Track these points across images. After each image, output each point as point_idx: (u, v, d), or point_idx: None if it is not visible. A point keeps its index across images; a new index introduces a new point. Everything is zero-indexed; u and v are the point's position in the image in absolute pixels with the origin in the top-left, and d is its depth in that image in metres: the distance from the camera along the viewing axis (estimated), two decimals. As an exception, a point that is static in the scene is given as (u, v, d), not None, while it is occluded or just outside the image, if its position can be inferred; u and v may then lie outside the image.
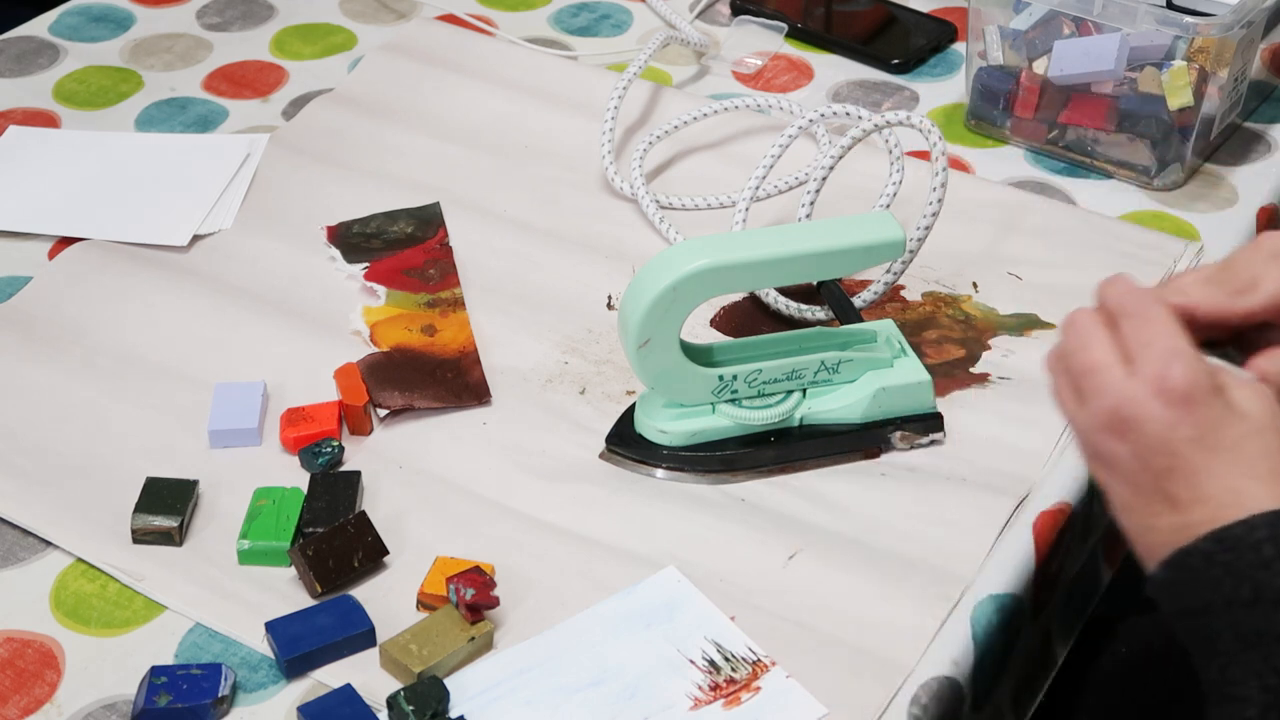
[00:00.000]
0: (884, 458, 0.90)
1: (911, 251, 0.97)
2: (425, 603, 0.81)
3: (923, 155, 1.15)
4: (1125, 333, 0.71)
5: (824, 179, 0.99)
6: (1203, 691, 0.66)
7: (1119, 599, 1.01)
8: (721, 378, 0.87)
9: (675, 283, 0.83)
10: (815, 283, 0.98)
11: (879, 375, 0.89)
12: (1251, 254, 0.74)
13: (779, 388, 0.89)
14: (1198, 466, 0.68)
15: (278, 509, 0.85)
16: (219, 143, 1.18)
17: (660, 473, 0.89)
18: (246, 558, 0.83)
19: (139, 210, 1.10)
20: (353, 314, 1.00)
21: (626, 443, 0.90)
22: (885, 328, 0.93)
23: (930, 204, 0.96)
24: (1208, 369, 0.69)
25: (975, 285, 1.03)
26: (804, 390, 0.90)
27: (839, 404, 0.90)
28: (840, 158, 0.98)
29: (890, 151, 1.01)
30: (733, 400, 0.88)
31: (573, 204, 1.12)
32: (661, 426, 0.88)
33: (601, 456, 0.90)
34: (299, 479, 0.88)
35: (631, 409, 0.91)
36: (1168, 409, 0.68)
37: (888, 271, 0.99)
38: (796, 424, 0.89)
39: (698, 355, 0.88)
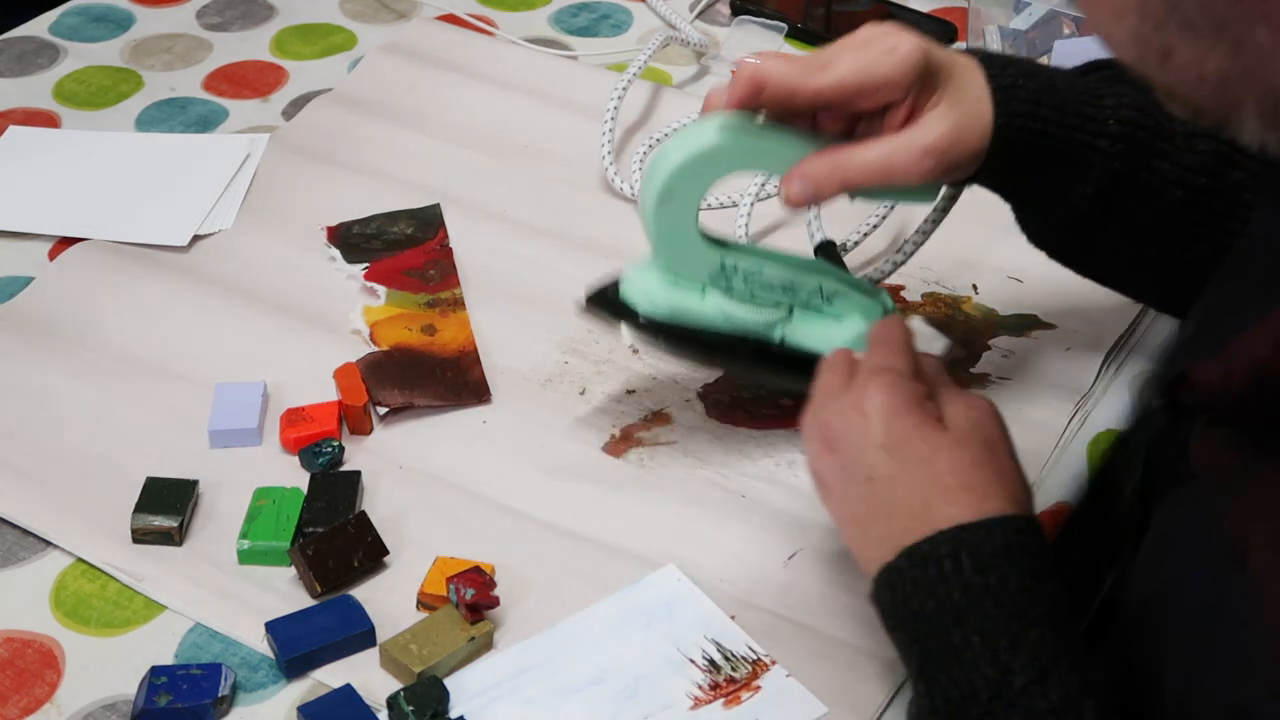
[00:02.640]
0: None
1: (905, 254, 0.97)
2: (425, 603, 0.81)
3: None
4: (863, 358, 0.75)
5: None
6: (1192, 692, 0.67)
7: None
8: (724, 265, 0.86)
9: (719, 143, 0.81)
10: (814, 248, 0.98)
11: (866, 321, 0.88)
12: (841, 42, 0.78)
13: (771, 298, 0.87)
14: (893, 479, 0.70)
15: (278, 509, 0.85)
16: (219, 143, 1.18)
17: (629, 335, 0.87)
18: (246, 558, 0.83)
19: (139, 210, 1.10)
20: (353, 314, 1.00)
21: (608, 304, 0.88)
22: (883, 294, 0.92)
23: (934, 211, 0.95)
24: (915, 387, 0.73)
25: (975, 288, 1.03)
26: (791, 309, 0.88)
27: (822, 334, 0.88)
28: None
29: None
30: (724, 292, 0.87)
31: (573, 204, 1.12)
32: (649, 291, 0.86)
33: (580, 310, 0.88)
34: (299, 479, 0.88)
35: (618, 280, 0.89)
36: (865, 421, 0.71)
37: (886, 261, 0.98)
38: (777, 340, 0.88)
39: (709, 238, 0.87)
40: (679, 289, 0.86)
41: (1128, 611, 0.70)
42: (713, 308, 0.86)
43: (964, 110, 0.79)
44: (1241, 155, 0.82)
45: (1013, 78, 0.81)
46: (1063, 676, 0.64)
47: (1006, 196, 0.87)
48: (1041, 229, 0.88)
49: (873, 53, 0.78)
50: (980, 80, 0.80)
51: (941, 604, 0.67)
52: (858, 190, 0.82)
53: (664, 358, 0.86)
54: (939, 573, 0.67)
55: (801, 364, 0.86)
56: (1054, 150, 0.81)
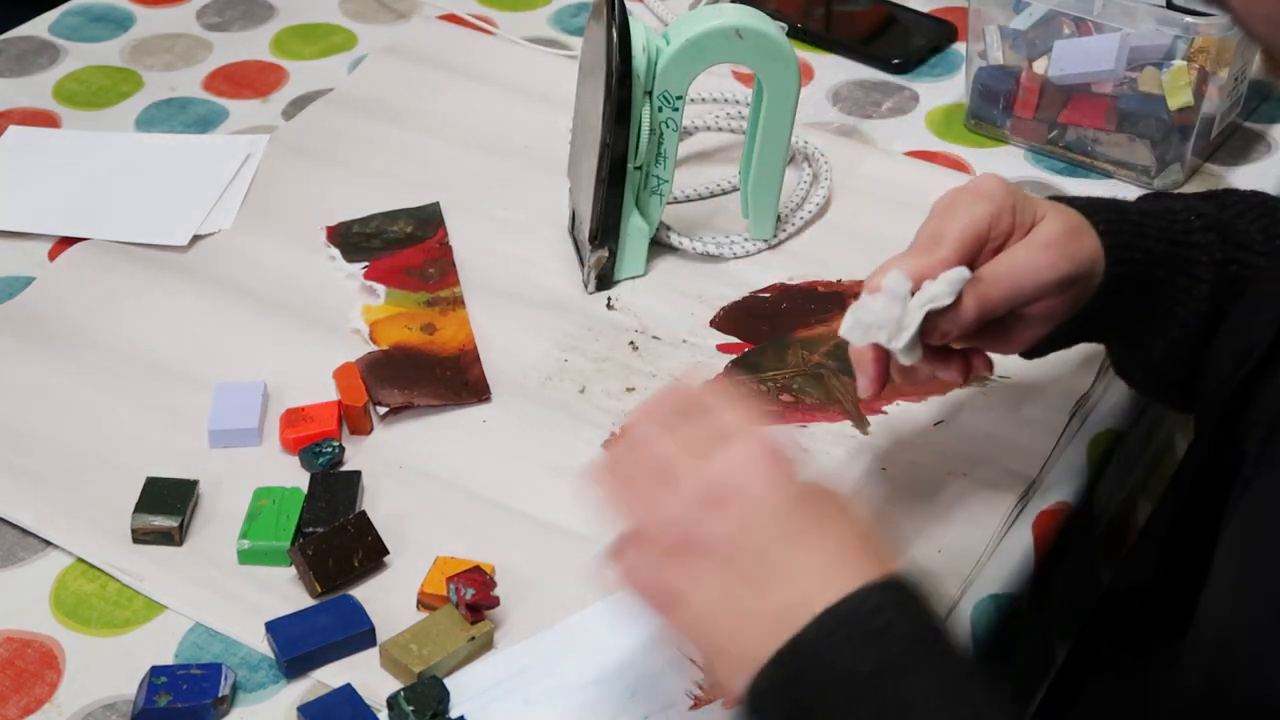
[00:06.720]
0: (884, 456, 0.90)
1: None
2: (425, 603, 0.81)
3: (923, 155, 1.15)
4: (694, 424, 0.68)
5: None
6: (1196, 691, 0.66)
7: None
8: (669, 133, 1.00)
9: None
10: None
11: None
12: (939, 210, 0.80)
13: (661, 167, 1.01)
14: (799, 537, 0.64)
15: (278, 509, 0.85)
16: (219, 143, 1.18)
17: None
18: (246, 558, 0.83)
19: (139, 210, 1.10)
20: (352, 313, 1.00)
21: None
22: None
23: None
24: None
25: (975, 285, 1.03)
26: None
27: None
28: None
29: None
30: (653, 113, 0.98)
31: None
32: (646, 37, 0.96)
33: None
34: (299, 479, 0.88)
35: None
36: (769, 469, 0.65)
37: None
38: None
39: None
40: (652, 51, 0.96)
41: (1217, 597, 0.66)
42: (641, 112, 0.97)
43: (1068, 220, 0.80)
44: None
45: (1105, 211, 0.82)
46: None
47: (1120, 330, 0.86)
48: (1153, 358, 0.86)
49: (965, 201, 0.79)
50: (1076, 215, 0.81)
51: (882, 658, 0.60)
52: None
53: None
54: (871, 627, 0.61)
55: None
56: (1161, 257, 0.82)
